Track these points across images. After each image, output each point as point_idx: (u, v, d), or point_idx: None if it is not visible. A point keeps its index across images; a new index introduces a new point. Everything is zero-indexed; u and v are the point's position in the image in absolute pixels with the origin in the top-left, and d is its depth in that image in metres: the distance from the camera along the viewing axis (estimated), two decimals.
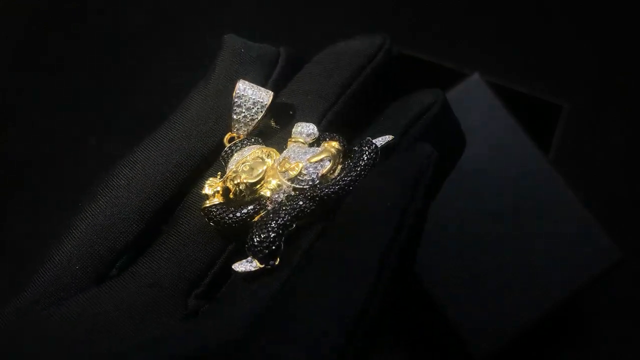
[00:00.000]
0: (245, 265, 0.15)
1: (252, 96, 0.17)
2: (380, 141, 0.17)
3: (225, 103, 0.18)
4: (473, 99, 0.42)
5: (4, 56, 0.58)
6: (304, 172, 0.16)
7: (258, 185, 0.16)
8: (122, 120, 0.55)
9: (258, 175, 0.16)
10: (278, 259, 0.15)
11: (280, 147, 0.17)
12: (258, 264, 0.15)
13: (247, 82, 0.17)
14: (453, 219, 0.40)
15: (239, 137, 0.17)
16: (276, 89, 0.18)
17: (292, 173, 0.16)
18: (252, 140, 0.17)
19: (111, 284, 0.16)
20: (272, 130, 0.18)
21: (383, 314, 0.14)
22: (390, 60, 0.19)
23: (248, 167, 0.16)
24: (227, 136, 0.18)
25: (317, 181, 0.16)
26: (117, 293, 0.15)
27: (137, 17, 0.60)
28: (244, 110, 0.17)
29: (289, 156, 0.16)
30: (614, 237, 0.39)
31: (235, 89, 0.17)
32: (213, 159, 0.18)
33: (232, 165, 0.16)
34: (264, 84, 0.18)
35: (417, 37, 0.59)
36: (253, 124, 0.17)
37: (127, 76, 0.57)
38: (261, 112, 0.17)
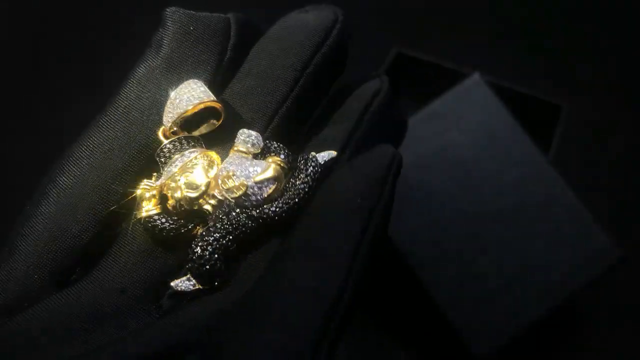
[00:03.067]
0: (185, 284, 0.15)
1: (194, 92, 0.16)
2: (323, 157, 0.16)
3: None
4: (473, 99, 0.42)
5: (4, 56, 0.58)
6: (249, 192, 0.15)
7: (200, 200, 0.15)
8: None
9: (200, 189, 0.15)
10: (217, 281, 0.15)
11: (223, 151, 0.16)
12: (197, 283, 0.15)
13: (195, 83, 0.16)
14: (453, 219, 0.40)
15: (171, 130, 0.16)
16: (233, 66, 0.17)
17: (237, 192, 0.15)
18: (192, 142, 0.16)
19: (75, 289, 0.15)
20: (212, 127, 0.17)
21: (357, 300, 0.14)
22: (345, 39, 0.18)
23: (189, 179, 0.15)
24: (161, 130, 0.16)
25: (262, 202, 0.15)
26: (82, 298, 0.15)
27: (138, 17, 0.60)
28: (179, 101, 0.16)
29: (233, 170, 0.15)
30: (614, 237, 0.40)
31: (177, 89, 0.16)
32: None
33: (172, 169, 0.15)
34: (218, 64, 0.17)
35: (417, 37, 0.59)
36: (180, 114, 0.16)
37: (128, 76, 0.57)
38: (192, 104, 0.16)
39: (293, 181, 0.16)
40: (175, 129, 0.16)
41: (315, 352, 0.13)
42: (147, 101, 0.17)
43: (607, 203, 0.47)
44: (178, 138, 0.16)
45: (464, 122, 0.42)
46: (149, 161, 0.16)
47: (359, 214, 0.14)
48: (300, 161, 0.16)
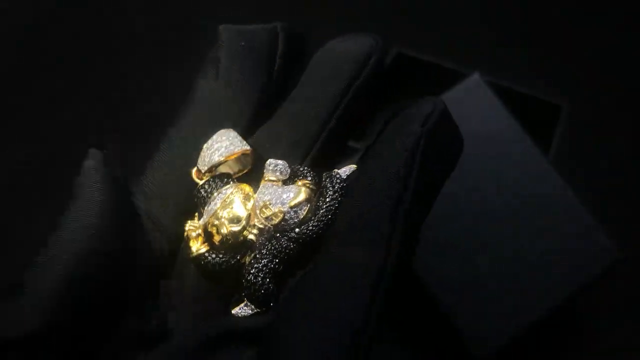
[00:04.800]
0: (243, 310, 0.16)
1: (224, 143, 0.17)
2: (345, 171, 0.17)
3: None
4: (473, 99, 0.42)
5: (4, 56, 0.58)
6: (287, 217, 0.17)
7: (244, 231, 0.17)
8: (123, 120, 0.55)
9: (242, 223, 0.17)
10: (272, 302, 0.16)
11: (255, 183, 0.17)
12: (254, 307, 0.16)
13: (227, 132, 0.18)
14: (453, 219, 0.40)
15: (201, 172, 0.17)
16: (284, 74, 0.19)
17: (276, 219, 0.16)
18: (225, 179, 0.17)
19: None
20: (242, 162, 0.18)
21: (387, 308, 0.15)
22: (382, 67, 0.19)
23: (231, 214, 0.16)
24: (194, 171, 0.18)
25: (298, 223, 0.17)
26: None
27: (138, 17, 0.60)
28: (211, 152, 0.17)
29: (268, 199, 0.17)
30: (613, 237, 0.39)
31: (210, 138, 0.17)
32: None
33: (213, 207, 0.17)
34: (269, 75, 0.19)
35: (417, 37, 0.58)
36: (213, 164, 0.17)
37: (127, 76, 0.57)
38: (223, 156, 0.17)
39: (323, 199, 0.17)
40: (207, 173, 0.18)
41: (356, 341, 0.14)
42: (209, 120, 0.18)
43: (607, 203, 0.47)
44: (212, 177, 0.17)
45: (464, 122, 0.42)
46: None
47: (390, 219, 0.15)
48: (325, 180, 0.17)
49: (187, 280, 0.17)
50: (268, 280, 0.16)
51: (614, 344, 0.45)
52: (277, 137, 0.18)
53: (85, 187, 0.16)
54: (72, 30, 0.59)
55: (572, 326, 0.46)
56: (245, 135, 0.18)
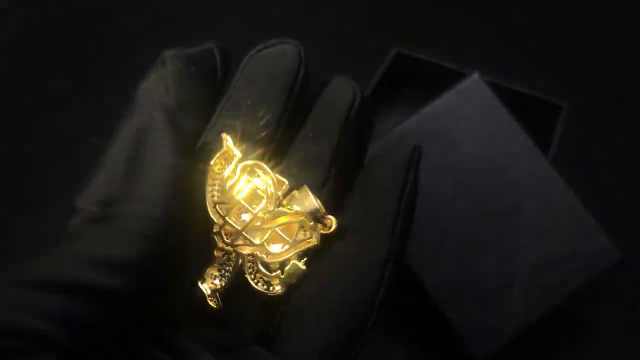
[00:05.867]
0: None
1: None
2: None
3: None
4: (473, 99, 0.42)
5: (5, 55, 0.58)
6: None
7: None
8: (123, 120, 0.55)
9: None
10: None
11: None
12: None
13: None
14: (453, 219, 0.40)
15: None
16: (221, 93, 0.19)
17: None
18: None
19: None
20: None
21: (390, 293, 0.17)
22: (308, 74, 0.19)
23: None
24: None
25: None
26: None
27: (138, 18, 0.60)
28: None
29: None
30: (613, 237, 0.39)
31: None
32: None
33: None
34: (215, 98, 0.19)
35: (417, 37, 0.59)
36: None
37: (128, 76, 0.57)
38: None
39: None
40: None
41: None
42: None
43: (607, 203, 0.47)
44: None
45: (464, 122, 0.42)
46: None
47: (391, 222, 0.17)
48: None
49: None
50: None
51: (614, 344, 0.45)
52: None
53: (157, 146, 0.16)
54: (73, 30, 0.59)
55: (572, 326, 0.46)
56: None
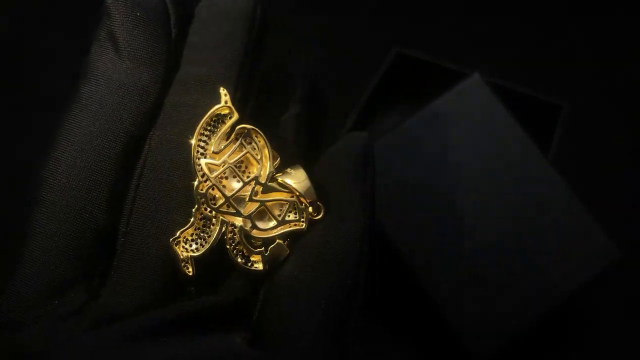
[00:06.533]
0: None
1: None
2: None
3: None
4: (473, 99, 0.42)
5: (5, 55, 0.58)
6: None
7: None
8: None
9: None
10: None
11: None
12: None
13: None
14: (453, 218, 0.40)
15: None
16: (180, 44, 0.18)
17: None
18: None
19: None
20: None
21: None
22: (267, 18, 0.19)
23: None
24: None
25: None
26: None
27: None
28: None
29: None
30: (613, 237, 0.39)
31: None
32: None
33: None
34: (169, 47, 0.18)
35: (417, 37, 0.59)
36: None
37: None
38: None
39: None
40: None
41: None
42: (116, 98, 0.17)
43: (607, 203, 0.47)
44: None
45: (464, 122, 0.42)
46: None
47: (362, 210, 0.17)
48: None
49: None
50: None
51: (614, 344, 0.45)
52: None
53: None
54: (71, 29, 0.59)
55: (572, 326, 0.46)
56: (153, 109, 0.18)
